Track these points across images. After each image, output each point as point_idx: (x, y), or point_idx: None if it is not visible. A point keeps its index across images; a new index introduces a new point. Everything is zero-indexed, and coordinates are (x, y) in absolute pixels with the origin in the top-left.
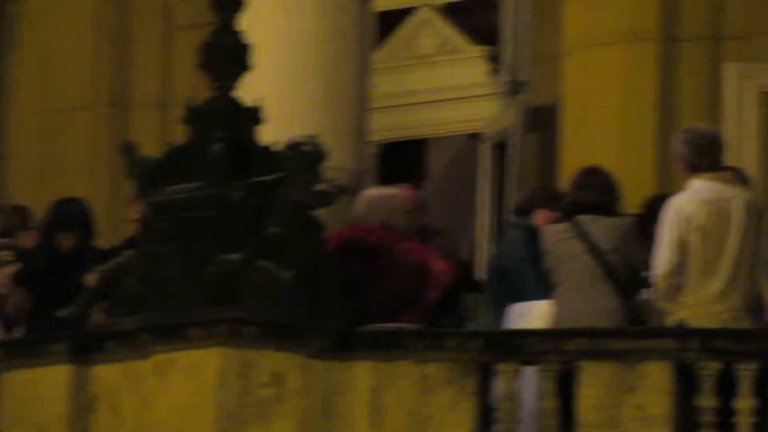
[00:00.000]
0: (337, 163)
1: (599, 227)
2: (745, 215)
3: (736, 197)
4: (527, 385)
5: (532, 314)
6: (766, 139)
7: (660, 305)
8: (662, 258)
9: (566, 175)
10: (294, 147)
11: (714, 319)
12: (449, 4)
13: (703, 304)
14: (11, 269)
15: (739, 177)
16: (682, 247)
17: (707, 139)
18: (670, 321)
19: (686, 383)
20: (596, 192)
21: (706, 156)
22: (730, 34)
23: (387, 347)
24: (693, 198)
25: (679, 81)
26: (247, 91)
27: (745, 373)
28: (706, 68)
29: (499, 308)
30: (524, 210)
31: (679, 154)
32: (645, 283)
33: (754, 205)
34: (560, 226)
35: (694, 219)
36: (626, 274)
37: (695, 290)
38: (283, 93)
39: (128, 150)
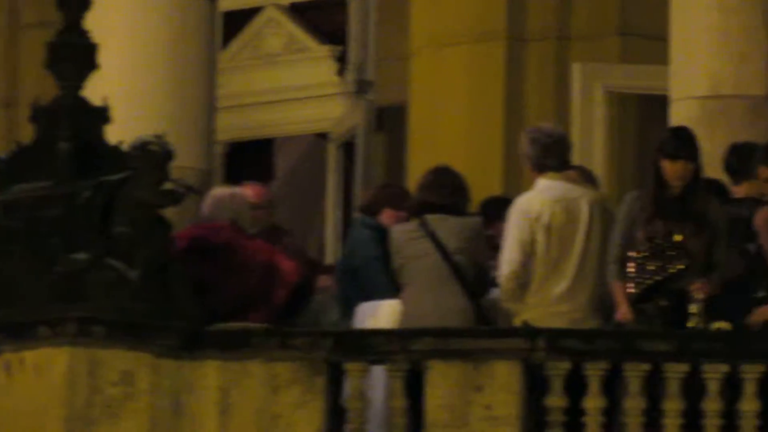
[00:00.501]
0: (184, 163)
1: (447, 227)
2: (592, 214)
3: (583, 196)
4: (377, 385)
5: (380, 313)
6: (612, 139)
7: (506, 305)
8: (507, 257)
9: (414, 175)
10: (141, 146)
11: (560, 319)
12: (296, 3)
13: (549, 304)
14: None
15: (585, 176)
16: (529, 247)
17: (553, 139)
18: (517, 321)
19: (534, 383)
20: (444, 192)
21: (553, 155)
22: (577, 34)
23: (236, 346)
24: (540, 197)
25: (526, 81)
26: (94, 90)
27: (594, 372)
28: (554, 68)
29: (348, 307)
30: (371, 209)
31: (526, 154)
32: (493, 283)
33: (601, 205)
34: (408, 226)
35: (540, 218)
36: (474, 273)
37: (541, 290)
38: (129, 92)
39: None
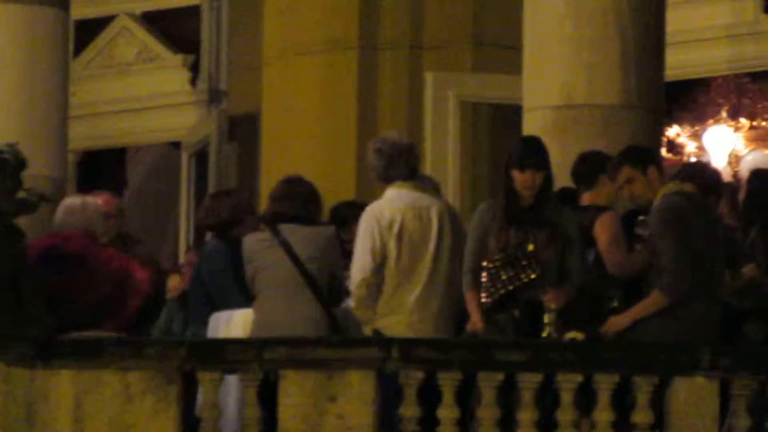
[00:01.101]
0: (37, 171)
1: (299, 236)
2: (442, 223)
3: (433, 205)
4: (230, 394)
5: (234, 322)
6: (465, 148)
7: (358, 313)
8: (359, 265)
9: (268, 184)
10: None
11: (411, 328)
12: (148, 12)
13: (400, 313)
14: None
15: (431, 185)
16: (380, 255)
17: (398, 149)
18: (368, 329)
19: (388, 392)
20: (296, 203)
21: (398, 165)
22: (430, 44)
23: (89, 356)
24: (390, 205)
25: (379, 89)
26: None
27: (447, 382)
28: (407, 77)
29: (201, 317)
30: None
31: (372, 164)
32: (347, 292)
33: (450, 214)
34: (261, 235)
35: (392, 226)
36: (327, 283)
37: (393, 298)
38: None
39: None
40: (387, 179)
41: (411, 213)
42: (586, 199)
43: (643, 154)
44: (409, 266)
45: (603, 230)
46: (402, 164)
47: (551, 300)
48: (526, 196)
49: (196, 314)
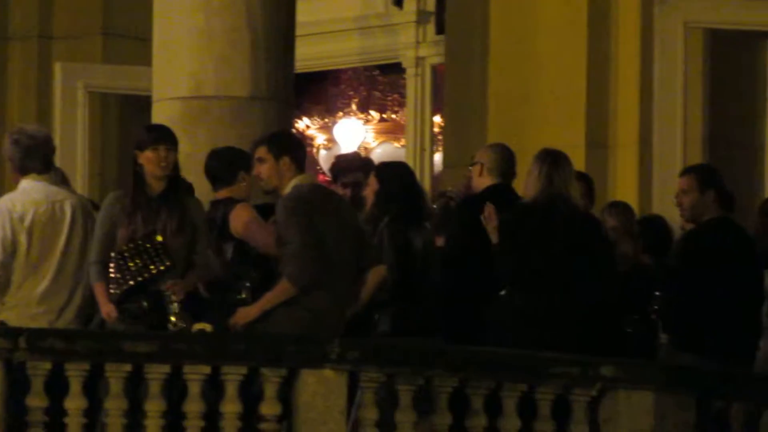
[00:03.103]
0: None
1: None
2: (74, 217)
3: (67, 199)
4: None
5: None
6: (94, 139)
7: None
8: None
9: None
10: None
11: (38, 320)
12: None
13: (27, 305)
14: None
15: (61, 178)
16: (11, 247)
17: (36, 140)
18: None
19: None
20: None
21: (35, 157)
22: (59, 34)
23: None
24: (23, 198)
25: (8, 80)
26: None
27: (75, 373)
28: (36, 68)
29: None
30: None
31: (9, 155)
32: None
33: (84, 207)
34: None
35: (23, 219)
36: None
37: (21, 291)
38: None
39: None
40: (22, 171)
41: (44, 206)
42: (222, 194)
43: (282, 141)
44: (38, 260)
45: (235, 220)
46: (39, 156)
47: (172, 291)
48: (159, 177)
49: None
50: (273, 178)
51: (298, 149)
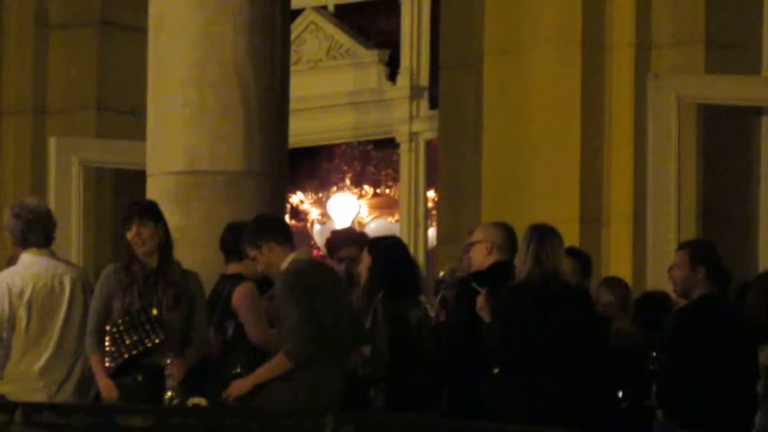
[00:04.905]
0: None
1: None
2: (74, 290)
3: (67, 273)
4: None
5: None
6: (88, 213)
7: None
8: None
9: None
10: None
11: (37, 394)
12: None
13: (26, 379)
14: None
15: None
16: (9, 323)
17: (36, 214)
18: None
19: None
20: None
21: (36, 231)
22: (53, 108)
23: None
24: (23, 273)
25: (2, 154)
26: None
27: None
28: (30, 141)
29: None
30: None
31: (10, 229)
32: None
33: (83, 281)
34: None
35: (23, 294)
36: None
37: (20, 365)
38: None
39: None
40: (24, 245)
41: (43, 281)
42: (232, 268)
43: (257, 230)
44: (38, 334)
45: (236, 299)
46: (40, 230)
47: (173, 370)
48: (141, 253)
49: None
50: (270, 267)
51: (278, 231)
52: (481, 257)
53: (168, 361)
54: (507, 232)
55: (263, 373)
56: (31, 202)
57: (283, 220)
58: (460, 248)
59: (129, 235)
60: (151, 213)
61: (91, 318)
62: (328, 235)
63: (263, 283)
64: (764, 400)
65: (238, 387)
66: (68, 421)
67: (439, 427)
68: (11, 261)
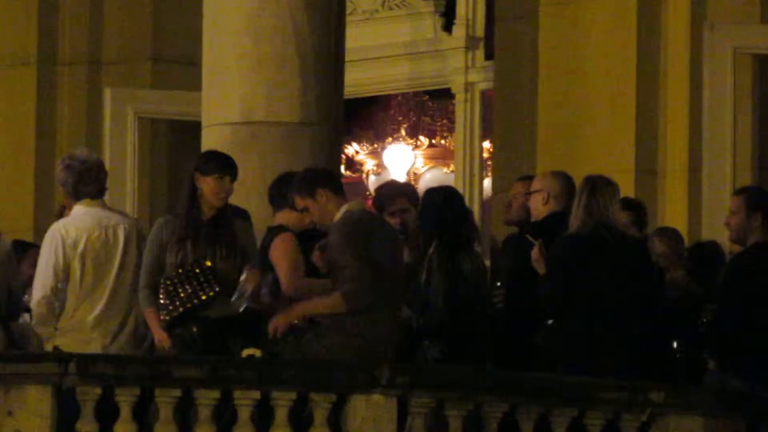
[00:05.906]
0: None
1: None
2: (128, 241)
3: (120, 223)
4: None
5: None
6: (144, 164)
7: (39, 330)
8: (41, 283)
9: None
10: None
11: (91, 345)
12: None
13: (81, 330)
14: None
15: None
16: (63, 273)
17: (88, 165)
18: (49, 346)
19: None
20: None
21: (88, 182)
22: (108, 59)
23: None
24: (76, 224)
25: (58, 105)
26: None
27: (125, 398)
28: (86, 93)
29: None
30: None
31: (62, 181)
32: (26, 308)
33: (137, 231)
34: None
35: (77, 245)
36: (3, 297)
37: (74, 316)
38: None
39: None
40: (76, 196)
41: (97, 232)
42: (278, 219)
43: (309, 179)
44: (92, 285)
45: (272, 250)
46: (92, 181)
47: (247, 280)
48: (215, 204)
49: None
50: (324, 217)
51: (332, 180)
52: (539, 207)
53: (244, 276)
54: (565, 180)
55: (314, 306)
56: (82, 153)
57: (334, 171)
58: (507, 196)
59: (213, 184)
60: (234, 167)
61: (143, 272)
62: (374, 192)
63: (310, 236)
64: None
65: (284, 315)
66: (123, 372)
67: (494, 379)
68: (62, 212)
